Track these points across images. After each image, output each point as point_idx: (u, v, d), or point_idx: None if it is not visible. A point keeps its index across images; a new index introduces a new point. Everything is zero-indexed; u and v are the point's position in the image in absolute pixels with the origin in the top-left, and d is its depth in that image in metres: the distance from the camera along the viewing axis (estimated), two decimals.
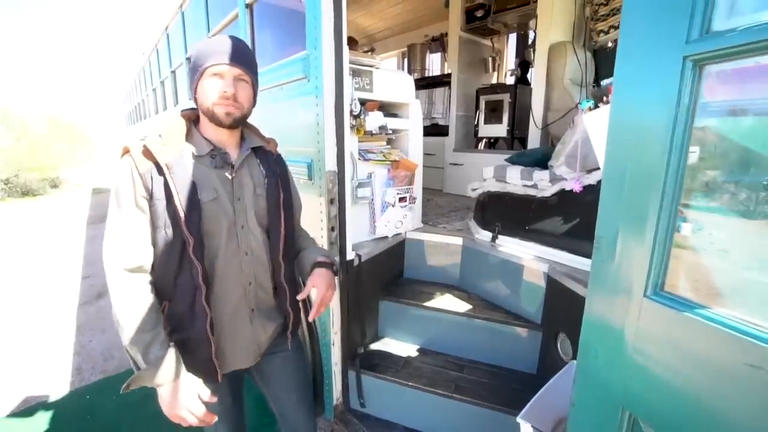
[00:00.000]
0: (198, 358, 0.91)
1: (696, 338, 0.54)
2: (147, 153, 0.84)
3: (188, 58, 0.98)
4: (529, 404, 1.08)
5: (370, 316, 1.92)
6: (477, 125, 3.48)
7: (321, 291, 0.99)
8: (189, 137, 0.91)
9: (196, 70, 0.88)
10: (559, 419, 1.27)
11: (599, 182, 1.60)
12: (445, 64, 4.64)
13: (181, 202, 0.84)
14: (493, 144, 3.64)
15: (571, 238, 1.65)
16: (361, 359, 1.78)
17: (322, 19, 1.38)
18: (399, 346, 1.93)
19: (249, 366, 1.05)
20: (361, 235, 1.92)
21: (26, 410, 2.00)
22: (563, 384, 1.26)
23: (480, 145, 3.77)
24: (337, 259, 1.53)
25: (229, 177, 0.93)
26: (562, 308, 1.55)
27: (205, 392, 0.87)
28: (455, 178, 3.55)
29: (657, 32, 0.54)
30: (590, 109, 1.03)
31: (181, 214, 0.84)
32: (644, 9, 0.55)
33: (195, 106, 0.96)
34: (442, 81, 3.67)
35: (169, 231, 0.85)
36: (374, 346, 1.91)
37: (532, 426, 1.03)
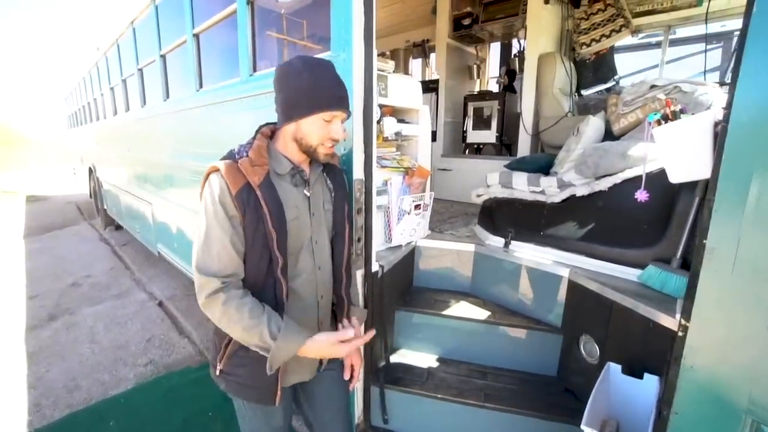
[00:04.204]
0: (262, 371, 0.90)
1: None
2: (239, 173, 0.85)
3: (282, 81, 0.93)
4: (587, 412, 1.09)
5: (388, 327, 1.86)
6: (465, 131, 3.54)
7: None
8: (269, 155, 0.93)
9: (302, 103, 0.87)
10: (603, 420, 1.29)
11: (610, 188, 1.71)
12: (426, 69, 4.69)
13: (272, 222, 0.85)
14: (478, 150, 3.72)
15: (589, 242, 1.70)
16: (384, 373, 1.71)
17: (353, 17, 1.31)
18: (418, 356, 1.88)
19: (307, 379, 1.07)
20: (377, 244, 1.85)
21: None
22: (604, 387, 1.29)
23: (466, 150, 3.84)
24: (361, 272, 1.49)
25: (307, 195, 0.96)
26: (587, 311, 1.59)
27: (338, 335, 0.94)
28: (444, 184, 3.57)
29: None
30: (658, 122, 1.06)
31: (273, 235, 0.85)
32: None
33: (271, 122, 0.98)
34: (428, 87, 3.69)
35: (259, 250, 0.86)
36: (393, 359, 1.84)
37: None
